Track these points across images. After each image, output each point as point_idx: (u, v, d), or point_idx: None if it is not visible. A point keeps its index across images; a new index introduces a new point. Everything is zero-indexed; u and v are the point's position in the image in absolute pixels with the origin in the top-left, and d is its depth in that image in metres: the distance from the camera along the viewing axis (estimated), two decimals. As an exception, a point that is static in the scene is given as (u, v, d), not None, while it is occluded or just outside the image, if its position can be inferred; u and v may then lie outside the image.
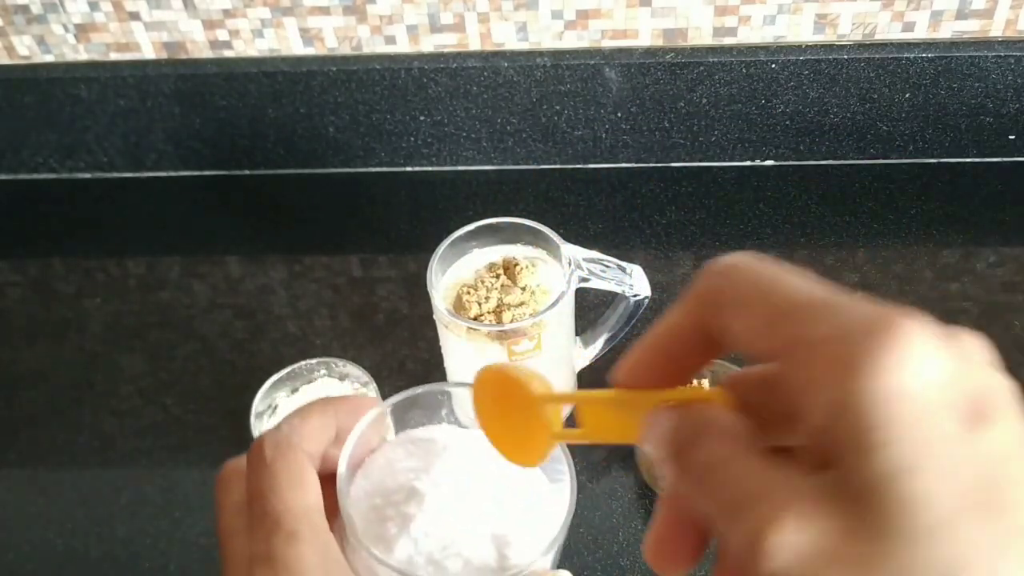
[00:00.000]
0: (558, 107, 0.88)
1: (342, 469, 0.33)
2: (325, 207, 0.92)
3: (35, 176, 0.97)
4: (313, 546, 0.29)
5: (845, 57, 0.83)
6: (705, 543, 0.25)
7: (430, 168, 0.94)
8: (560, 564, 0.64)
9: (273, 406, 0.70)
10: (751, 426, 0.24)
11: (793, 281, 0.24)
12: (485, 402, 0.31)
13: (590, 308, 0.77)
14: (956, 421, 0.20)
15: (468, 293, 0.64)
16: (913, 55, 0.83)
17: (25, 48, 0.89)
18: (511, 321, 0.62)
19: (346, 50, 0.88)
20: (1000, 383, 0.22)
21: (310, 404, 0.34)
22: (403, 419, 0.37)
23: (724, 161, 0.92)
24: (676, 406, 0.25)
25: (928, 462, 0.20)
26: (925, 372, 0.21)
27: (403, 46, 0.87)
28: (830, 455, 0.21)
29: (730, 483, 0.22)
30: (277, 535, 0.29)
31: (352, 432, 0.34)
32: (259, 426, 0.68)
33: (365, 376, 0.70)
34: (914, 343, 0.21)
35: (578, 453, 0.71)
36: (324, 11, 0.85)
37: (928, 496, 0.20)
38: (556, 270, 0.66)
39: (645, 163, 0.92)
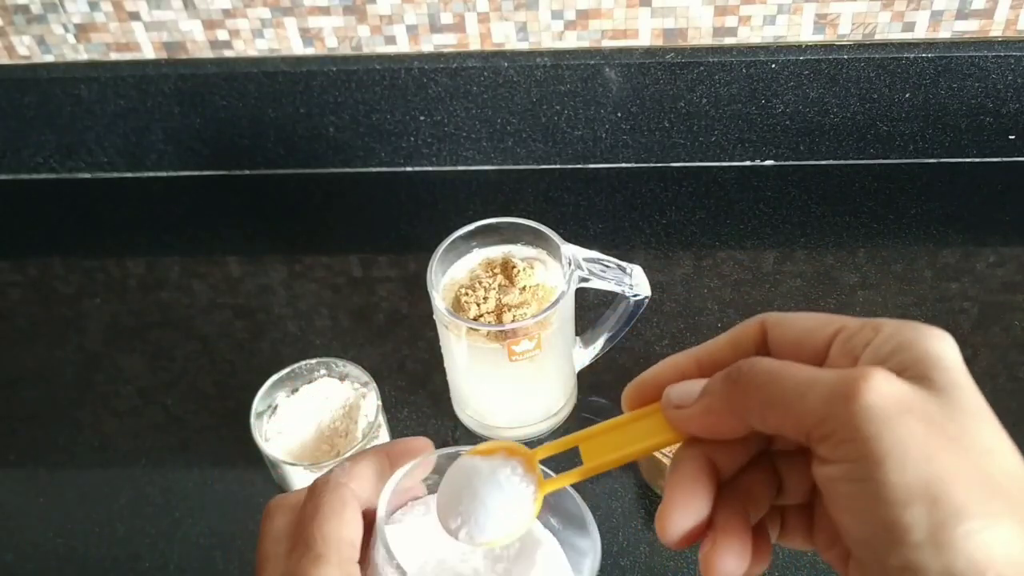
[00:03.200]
0: (558, 107, 0.88)
1: (381, 510, 0.34)
2: (325, 207, 0.92)
3: (35, 176, 0.97)
4: (335, 570, 0.32)
5: (845, 57, 0.83)
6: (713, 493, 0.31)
7: (430, 168, 0.94)
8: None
9: (273, 406, 0.70)
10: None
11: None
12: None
13: (590, 308, 0.77)
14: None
15: (466, 294, 0.64)
16: (913, 55, 0.83)
17: (25, 48, 0.89)
18: (511, 321, 0.62)
19: (346, 50, 0.88)
20: None
21: (364, 451, 0.37)
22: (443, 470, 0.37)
23: (724, 161, 0.92)
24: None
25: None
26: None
27: (403, 46, 0.87)
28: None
29: (798, 373, 0.28)
30: (307, 556, 0.32)
31: (394, 475, 0.36)
32: (259, 426, 0.68)
33: (365, 376, 0.70)
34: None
35: (578, 454, 0.71)
36: (324, 11, 0.85)
37: (972, 396, 0.28)
38: (556, 270, 0.66)
39: (645, 163, 0.92)
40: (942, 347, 0.28)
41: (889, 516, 0.26)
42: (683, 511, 0.30)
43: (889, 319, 0.29)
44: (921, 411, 0.27)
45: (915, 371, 0.28)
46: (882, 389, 0.27)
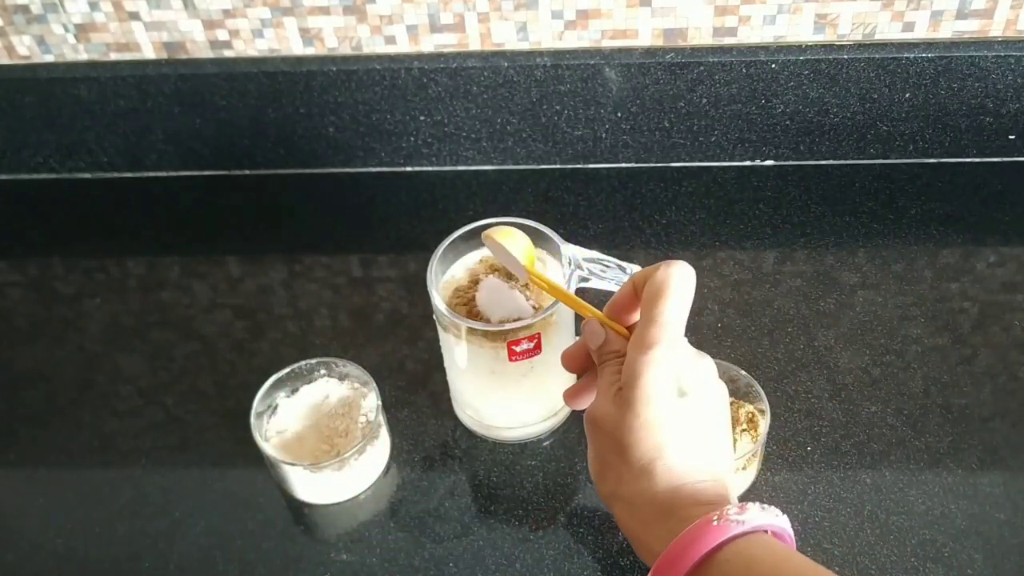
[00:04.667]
0: (558, 107, 0.88)
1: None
2: (325, 207, 0.92)
3: (35, 176, 0.97)
4: None
5: (845, 57, 0.84)
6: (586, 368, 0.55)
7: (430, 168, 0.94)
8: (560, 565, 0.65)
9: (273, 406, 0.70)
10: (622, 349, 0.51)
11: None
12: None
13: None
14: (674, 391, 0.48)
15: (466, 294, 0.64)
16: (913, 55, 0.83)
17: (25, 48, 0.89)
18: (512, 321, 0.62)
19: (346, 50, 0.88)
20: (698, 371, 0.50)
21: None
22: None
23: (724, 161, 0.92)
24: (604, 323, 0.53)
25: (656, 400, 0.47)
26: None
27: (403, 46, 0.87)
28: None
29: (607, 366, 0.52)
30: None
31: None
32: (259, 426, 0.68)
33: (365, 376, 0.70)
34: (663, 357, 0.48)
35: (579, 454, 0.71)
36: (324, 11, 0.85)
37: (641, 409, 0.47)
38: (556, 270, 0.66)
39: (645, 163, 0.92)
40: (640, 371, 0.47)
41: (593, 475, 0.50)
42: (577, 364, 0.55)
43: (639, 336, 0.48)
44: (602, 420, 0.48)
45: (623, 389, 0.48)
46: (591, 410, 0.50)
